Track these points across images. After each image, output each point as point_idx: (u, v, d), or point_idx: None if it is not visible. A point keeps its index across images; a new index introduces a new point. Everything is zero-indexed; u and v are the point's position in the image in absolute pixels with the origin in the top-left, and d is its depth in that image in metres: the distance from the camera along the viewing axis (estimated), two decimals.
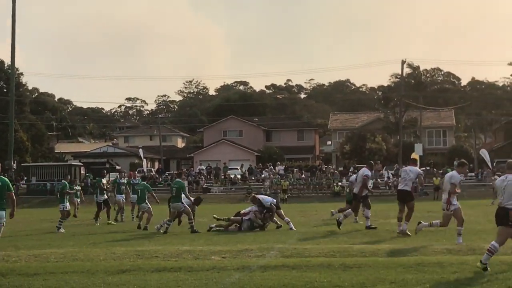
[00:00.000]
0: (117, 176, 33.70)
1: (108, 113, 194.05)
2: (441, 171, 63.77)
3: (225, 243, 18.77)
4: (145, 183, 29.66)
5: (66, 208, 27.09)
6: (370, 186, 29.97)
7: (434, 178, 59.89)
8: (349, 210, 24.21)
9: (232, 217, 24.22)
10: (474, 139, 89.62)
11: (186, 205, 24.10)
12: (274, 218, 24.37)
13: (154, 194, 29.01)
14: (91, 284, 11.73)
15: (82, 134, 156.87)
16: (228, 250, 16.87)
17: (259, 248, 17.13)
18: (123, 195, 32.07)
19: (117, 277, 12.61)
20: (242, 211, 24.32)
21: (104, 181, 31.94)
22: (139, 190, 27.73)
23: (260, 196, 25.14)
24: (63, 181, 29.49)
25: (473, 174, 70.66)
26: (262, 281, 11.54)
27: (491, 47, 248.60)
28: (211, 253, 16.28)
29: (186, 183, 66.14)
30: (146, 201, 27.29)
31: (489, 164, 65.43)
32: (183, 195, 24.39)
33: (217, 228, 23.94)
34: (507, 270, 12.40)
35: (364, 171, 24.12)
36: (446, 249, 15.96)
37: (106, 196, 31.21)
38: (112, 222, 29.88)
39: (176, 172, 36.14)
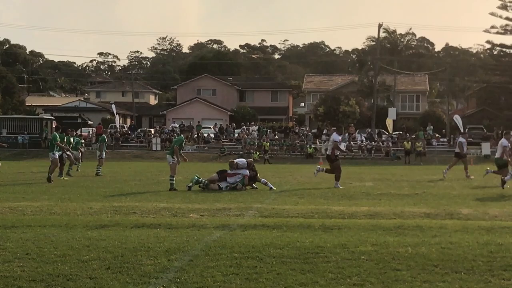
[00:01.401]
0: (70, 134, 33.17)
1: (80, 68, 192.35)
2: (414, 136, 64.05)
3: (203, 201, 18.73)
4: (55, 133, 30.18)
5: None
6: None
7: (405, 143, 60.13)
8: None
9: (211, 184, 23.63)
10: (447, 105, 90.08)
11: (172, 161, 23.65)
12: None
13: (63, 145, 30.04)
14: (71, 239, 11.58)
15: (53, 88, 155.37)
16: (206, 208, 16.84)
17: (237, 207, 17.11)
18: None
19: (97, 232, 12.49)
20: (229, 171, 23.97)
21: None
22: (48, 142, 29.13)
23: (237, 160, 24.90)
24: None
25: (445, 139, 71.12)
26: (244, 240, 11.48)
27: (465, 13, 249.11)
28: (189, 211, 16.22)
29: (159, 140, 66.24)
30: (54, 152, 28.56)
31: (462, 130, 65.78)
32: None
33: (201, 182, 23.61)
34: (486, 234, 12.47)
35: None
36: (424, 213, 16.03)
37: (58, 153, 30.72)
38: (65, 178, 29.53)
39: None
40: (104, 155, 34.42)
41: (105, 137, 37.20)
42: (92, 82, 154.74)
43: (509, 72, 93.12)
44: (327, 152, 26.54)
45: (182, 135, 26.74)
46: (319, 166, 27.26)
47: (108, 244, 10.99)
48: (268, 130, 70.82)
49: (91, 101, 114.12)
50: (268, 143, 60.75)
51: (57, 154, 29.17)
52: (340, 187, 24.30)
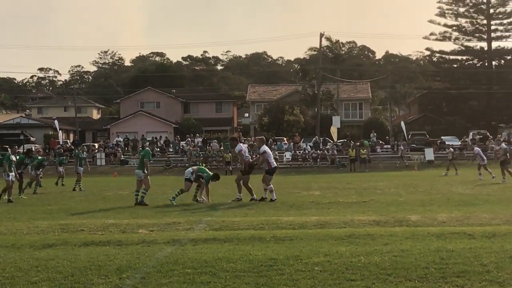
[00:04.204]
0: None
1: (20, 84, 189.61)
2: (358, 143, 64.55)
3: (151, 216, 18.49)
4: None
5: None
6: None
7: (350, 150, 60.54)
8: None
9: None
10: (389, 112, 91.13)
11: (143, 175, 23.28)
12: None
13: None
14: (19, 259, 11.28)
15: None
16: (155, 223, 16.63)
17: (187, 221, 16.94)
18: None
19: (45, 252, 12.21)
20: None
21: (13, 157, 30.21)
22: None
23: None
24: None
25: (388, 146, 71.82)
26: (196, 254, 11.34)
27: (404, 21, 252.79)
28: (138, 226, 16.01)
29: (103, 155, 65.59)
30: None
31: (405, 136, 66.66)
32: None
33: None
34: (436, 241, 12.55)
35: None
36: (374, 221, 16.09)
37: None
38: (23, 197, 28.85)
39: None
40: (80, 170, 36.42)
41: (78, 152, 38.00)
42: (34, 98, 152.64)
43: (449, 78, 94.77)
44: None
45: (147, 148, 26.88)
46: None
47: (57, 263, 10.74)
48: (214, 141, 70.62)
49: (33, 117, 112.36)
50: (230, 154, 59.97)
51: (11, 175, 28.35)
52: None
